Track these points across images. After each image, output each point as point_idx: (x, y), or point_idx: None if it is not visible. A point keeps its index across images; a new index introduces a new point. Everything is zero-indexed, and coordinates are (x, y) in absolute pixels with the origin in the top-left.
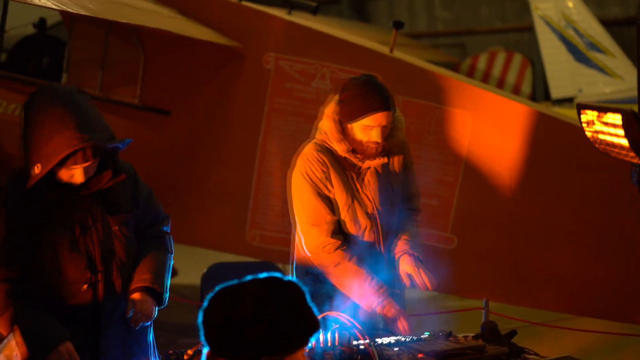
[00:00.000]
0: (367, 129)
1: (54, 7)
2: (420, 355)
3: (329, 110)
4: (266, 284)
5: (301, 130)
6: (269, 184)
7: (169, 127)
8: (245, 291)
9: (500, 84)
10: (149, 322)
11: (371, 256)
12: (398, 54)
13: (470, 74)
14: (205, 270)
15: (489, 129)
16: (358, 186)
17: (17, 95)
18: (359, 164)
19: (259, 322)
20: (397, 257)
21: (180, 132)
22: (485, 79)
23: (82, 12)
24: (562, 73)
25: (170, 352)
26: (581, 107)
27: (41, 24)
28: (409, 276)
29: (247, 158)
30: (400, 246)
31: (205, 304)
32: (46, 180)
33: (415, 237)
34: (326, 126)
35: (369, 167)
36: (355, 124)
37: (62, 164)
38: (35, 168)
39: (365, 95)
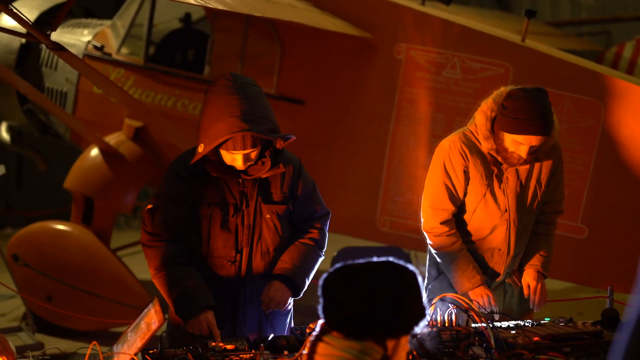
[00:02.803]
0: (517, 143)
1: (195, 3)
2: (535, 339)
3: (486, 106)
4: (385, 267)
5: (432, 119)
6: (399, 171)
7: (303, 116)
8: (366, 273)
9: None
10: (284, 309)
11: (497, 251)
12: (530, 42)
13: (616, 62)
14: (335, 254)
15: (622, 118)
16: (496, 181)
17: (164, 87)
18: (500, 163)
19: (376, 305)
20: (525, 267)
21: (313, 121)
22: (631, 67)
23: (221, 7)
24: None
25: (297, 330)
26: None
27: (186, 18)
28: (528, 288)
29: (378, 146)
30: (534, 260)
31: (325, 277)
32: (211, 160)
33: (549, 254)
34: (478, 120)
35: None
36: (507, 135)
37: (223, 145)
38: (200, 146)
39: (528, 113)
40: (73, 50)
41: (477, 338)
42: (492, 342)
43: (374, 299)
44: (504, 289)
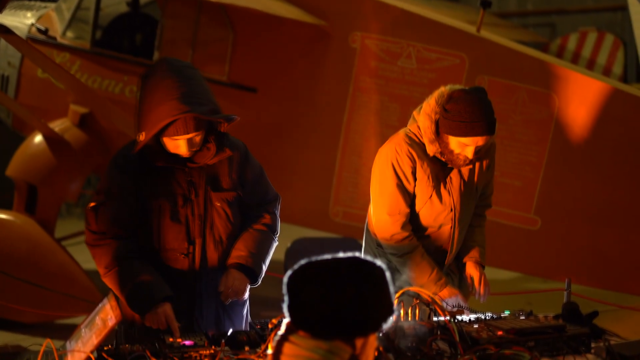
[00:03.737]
0: (463, 145)
1: None
2: (499, 333)
3: (430, 108)
4: (352, 264)
5: (386, 109)
6: (353, 162)
7: (255, 104)
8: (332, 271)
9: (591, 65)
10: (242, 299)
11: (441, 249)
12: (485, 33)
13: (560, 54)
14: (289, 244)
15: (576, 110)
16: (442, 182)
17: (111, 72)
18: (445, 164)
19: (344, 304)
20: (465, 260)
21: (266, 109)
22: (575, 59)
23: None
24: None
25: (257, 324)
26: None
27: (134, 2)
28: (471, 280)
29: (332, 136)
30: (472, 252)
31: (290, 275)
32: (154, 149)
33: (484, 245)
34: (422, 123)
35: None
36: (452, 138)
37: (164, 132)
38: (141, 135)
39: (472, 115)
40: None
41: (439, 332)
42: (456, 336)
43: (342, 298)
44: (451, 280)
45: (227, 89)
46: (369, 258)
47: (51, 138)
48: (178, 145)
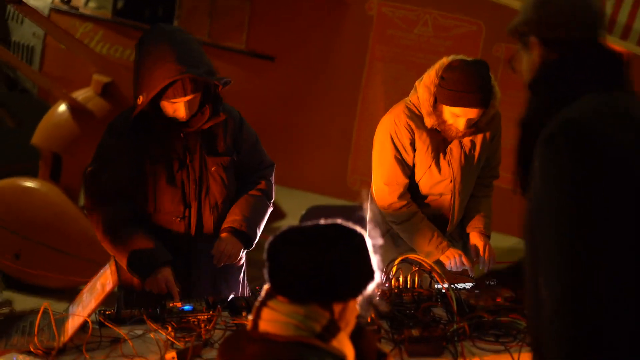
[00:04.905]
0: (455, 116)
1: None
2: (498, 300)
3: (429, 80)
4: (331, 230)
5: (402, 77)
6: (370, 130)
7: (273, 73)
8: (312, 236)
9: (626, 33)
10: (236, 263)
11: (442, 217)
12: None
13: None
14: (304, 212)
15: None
16: (441, 153)
17: (132, 42)
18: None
19: (321, 267)
20: (469, 230)
21: (284, 77)
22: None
23: None
24: None
25: (257, 287)
26: None
27: None
28: (476, 250)
29: (349, 104)
30: (475, 222)
31: (271, 239)
32: (151, 114)
33: (489, 215)
34: (421, 95)
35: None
36: (446, 107)
37: (163, 95)
38: (139, 99)
39: (466, 86)
40: (39, 5)
41: (438, 300)
42: (454, 303)
43: (318, 262)
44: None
45: (245, 58)
46: (349, 224)
47: (75, 107)
48: (176, 108)
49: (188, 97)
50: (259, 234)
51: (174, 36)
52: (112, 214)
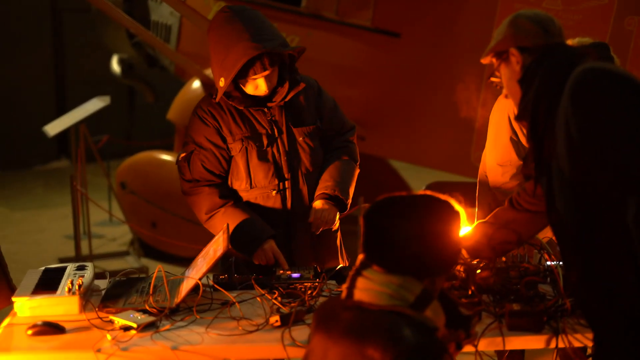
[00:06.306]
0: None
1: None
2: None
3: None
4: (429, 201)
5: None
6: None
7: (399, 49)
8: (411, 207)
9: None
10: (333, 227)
11: None
12: None
13: None
14: (423, 188)
15: None
16: None
17: None
18: None
19: (417, 238)
20: None
21: (409, 54)
22: None
23: None
24: None
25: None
26: None
27: None
28: None
29: (474, 80)
30: None
31: (368, 209)
32: (234, 95)
33: None
34: None
35: None
36: None
37: (243, 75)
38: (220, 81)
39: None
40: None
41: (546, 276)
42: (560, 280)
43: (415, 232)
44: None
45: (371, 35)
46: (443, 195)
47: (207, 84)
48: (258, 84)
49: (267, 72)
50: (350, 196)
51: (243, 15)
52: (211, 195)
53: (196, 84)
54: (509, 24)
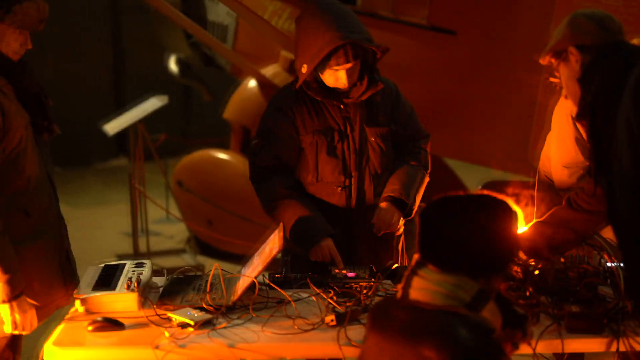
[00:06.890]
0: None
1: None
2: None
3: None
4: (487, 201)
5: None
6: (553, 103)
7: (455, 47)
8: (469, 208)
9: None
10: (395, 231)
11: None
12: None
13: None
14: (479, 187)
15: None
16: None
17: None
18: None
19: (473, 238)
20: None
21: (465, 52)
22: None
23: None
24: None
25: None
26: None
27: None
28: None
29: (531, 77)
30: None
31: (424, 210)
32: (312, 86)
33: None
34: None
35: None
36: None
37: (325, 64)
38: (302, 68)
39: None
40: None
41: (607, 278)
42: (621, 281)
43: (471, 232)
44: None
45: (427, 33)
46: (500, 196)
47: (263, 83)
48: (338, 76)
49: (350, 64)
50: (417, 203)
51: (332, 6)
52: (276, 186)
53: (252, 83)
54: (567, 23)
